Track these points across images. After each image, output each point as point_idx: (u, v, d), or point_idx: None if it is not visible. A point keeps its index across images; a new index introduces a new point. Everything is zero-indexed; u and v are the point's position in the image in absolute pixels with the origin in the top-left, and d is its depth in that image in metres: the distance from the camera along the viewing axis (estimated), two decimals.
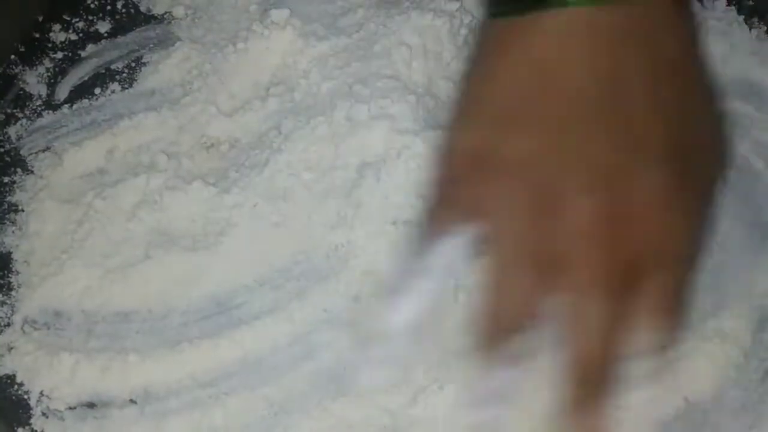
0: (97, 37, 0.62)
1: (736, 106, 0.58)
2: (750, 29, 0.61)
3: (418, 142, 0.52)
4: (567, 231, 0.40)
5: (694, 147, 0.42)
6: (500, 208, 0.41)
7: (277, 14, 0.57)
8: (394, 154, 0.52)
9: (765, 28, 0.62)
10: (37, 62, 0.61)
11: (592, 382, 0.41)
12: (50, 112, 0.59)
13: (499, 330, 0.41)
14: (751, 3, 0.62)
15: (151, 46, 0.61)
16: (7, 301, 0.53)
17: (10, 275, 0.54)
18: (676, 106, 0.42)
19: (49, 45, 0.62)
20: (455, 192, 0.43)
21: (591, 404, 0.41)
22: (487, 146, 0.42)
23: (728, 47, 0.60)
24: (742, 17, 0.61)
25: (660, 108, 0.41)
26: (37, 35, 0.62)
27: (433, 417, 0.48)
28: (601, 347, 0.41)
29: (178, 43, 0.60)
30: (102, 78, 0.60)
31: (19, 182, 0.57)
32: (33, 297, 0.53)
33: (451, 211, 0.43)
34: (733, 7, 0.62)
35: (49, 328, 0.52)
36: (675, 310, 0.42)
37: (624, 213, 0.40)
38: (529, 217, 0.41)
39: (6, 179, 0.57)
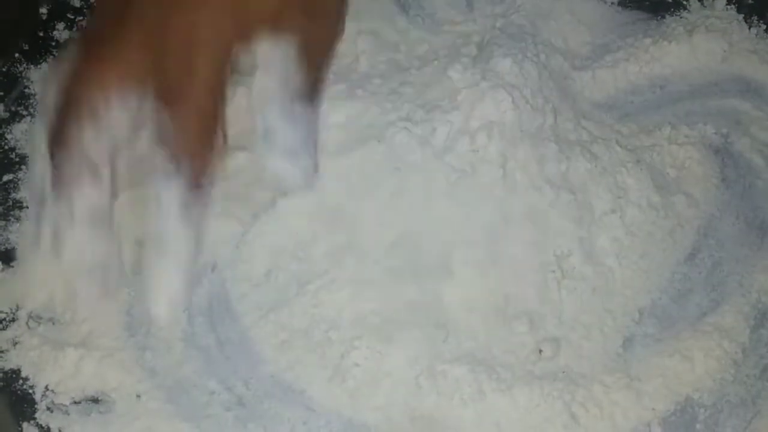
0: None
1: (735, 104, 0.59)
2: (749, 27, 0.61)
3: None
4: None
5: None
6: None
7: None
8: None
9: (764, 26, 0.62)
10: (41, 60, 0.61)
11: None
12: None
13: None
14: (750, 1, 0.63)
15: None
16: (12, 297, 0.53)
17: (14, 271, 0.54)
18: None
19: (53, 43, 0.62)
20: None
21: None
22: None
23: (728, 45, 0.60)
24: (741, 16, 0.62)
25: None
26: (41, 34, 0.63)
27: None
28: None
29: None
30: None
31: (24, 179, 0.57)
32: (37, 290, 0.53)
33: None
34: (732, 6, 0.62)
35: (53, 324, 0.52)
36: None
37: None
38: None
39: (11, 176, 0.57)
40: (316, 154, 0.47)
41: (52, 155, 0.44)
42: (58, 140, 0.43)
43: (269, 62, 0.44)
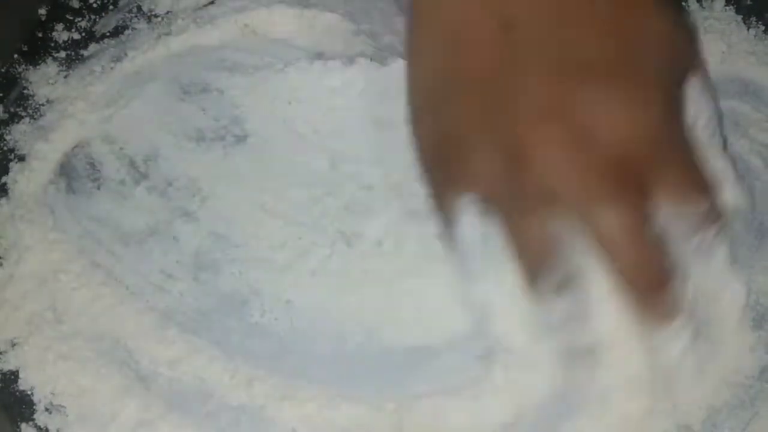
0: (100, 37, 0.63)
1: (734, 105, 0.59)
2: (748, 29, 0.61)
3: None
4: (542, 162, 0.42)
5: (639, 50, 0.44)
6: (480, 175, 0.44)
7: None
8: None
9: (763, 27, 0.62)
10: (40, 61, 0.62)
11: (652, 282, 0.44)
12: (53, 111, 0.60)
13: (534, 272, 0.44)
14: (749, 2, 0.63)
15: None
16: (11, 297, 0.53)
17: (13, 271, 0.54)
18: (610, 15, 0.44)
19: (52, 44, 0.62)
20: (440, 175, 0.46)
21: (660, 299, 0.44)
22: (442, 123, 0.45)
23: (726, 46, 0.60)
24: (740, 17, 0.62)
25: (594, 22, 0.44)
26: (40, 35, 0.63)
27: None
28: (639, 248, 0.43)
29: None
30: None
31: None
32: (36, 293, 0.53)
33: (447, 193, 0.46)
34: (731, 7, 0.62)
35: (52, 324, 0.52)
36: (694, 181, 0.44)
37: (587, 132, 0.42)
38: (504, 169, 0.43)
39: (9, 177, 0.57)
40: None
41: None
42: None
43: None
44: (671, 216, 0.44)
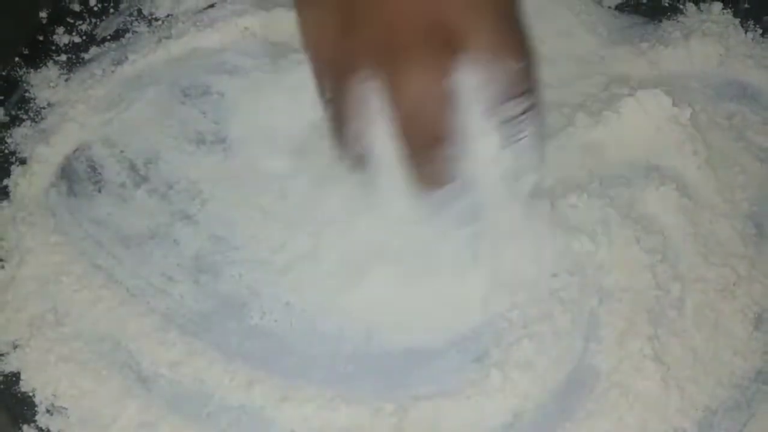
0: (100, 40, 0.63)
1: (732, 108, 0.59)
2: (745, 32, 0.62)
3: None
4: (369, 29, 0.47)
5: None
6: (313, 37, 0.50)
7: None
8: None
9: (760, 30, 0.62)
10: (41, 65, 0.62)
11: (425, 137, 0.47)
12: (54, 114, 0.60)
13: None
14: (746, 6, 0.63)
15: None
16: (12, 299, 0.53)
17: (15, 273, 0.54)
18: None
19: (53, 48, 0.63)
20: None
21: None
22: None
23: (724, 50, 0.61)
24: (737, 20, 0.62)
25: None
26: (41, 38, 0.63)
27: None
28: (419, 102, 0.46)
29: None
30: None
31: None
32: (38, 295, 0.53)
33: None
34: (728, 10, 0.62)
35: (54, 326, 0.52)
36: (505, 43, 0.47)
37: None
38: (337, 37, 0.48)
39: (10, 180, 0.58)
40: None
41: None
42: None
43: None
44: (482, 79, 0.46)
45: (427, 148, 0.47)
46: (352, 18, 0.47)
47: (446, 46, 0.46)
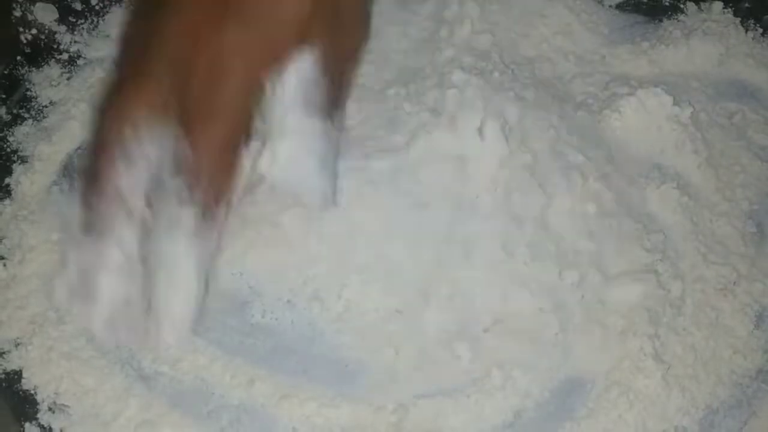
0: (102, 39, 0.63)
1: (732, 108, 0.59)
2: (746, 31, 0.62)
3: None
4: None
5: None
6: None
7: None
8: None
9: (761, 30, 0.62)
10: (43, 63, 0.62)
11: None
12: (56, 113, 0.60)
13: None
14: (747, 5, 0.63)
15: None
16: (14, 297, 0.53)
17: (17, 272, 0.54)
18: None
19: (55, 46, 0.63)
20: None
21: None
22: None
23: (724, 49, 0.61)
24: (738, 19, 0.62)
25: None
26: (43, 36, 0.63)
27: None
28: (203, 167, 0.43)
29: None
30: None
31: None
32: (40, 293, 0.53)
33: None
34: (729, 9, 0.62)
35: (55, 324, 0.52)
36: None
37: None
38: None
39: (12, 179, 0.58)
40: (336, 173, 0.45)
41: (85, 198, 0.43)
42: (91, 182, 0.43)
43: (292, 73, 0.43)
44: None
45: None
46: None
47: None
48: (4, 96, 0.61)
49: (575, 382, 0.50)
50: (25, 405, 0.51)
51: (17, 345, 0.52)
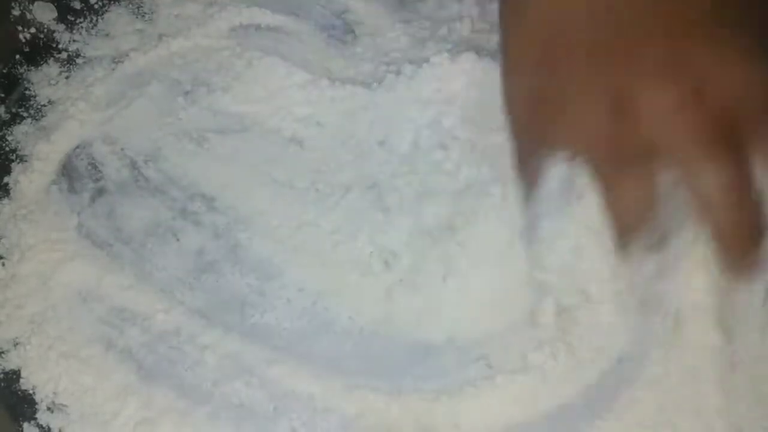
0: (101, 38, 0.63)
1: None
2: None
3: None
4: (649, 117, 0.42)
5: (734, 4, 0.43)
6: (579, 129, 0.43)
7: None
8: None
9: None
10: (41, 62, 0.62)
11: (745, 243, 0.42)
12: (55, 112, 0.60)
13: (628, 230, 0.43)
14: None
15: None
16: (13, 296, 0.53)
17: (15, 271, 0.54)
18: None
19: (54, 45, 0.63)
20: (532, 135, 0.45)
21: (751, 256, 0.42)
22: (541, 85, 0.45)
23: None
24: None
25: None
26: (42, 35, 0.63)
27: None
28: (737, 208, 0.42)
29: None
30: None
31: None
32: (37, 291, 0.53)
33: (538, 152, 0.45)
34: None
35: (54, 323, 0.52)
36: None
37: (698, 86, 0.41)
38: (608, 122, 0.42)
39: (11, 178, 0.58)
40: None
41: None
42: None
43: None
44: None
45: (746, 253, 0.43)
46: (631, 101, 0.43)
47: (742, 147, 0.42)
48: (2, 95, 0.61)
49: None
50: (23, 405, 0.50)
51: (16, 344, 0.52)
